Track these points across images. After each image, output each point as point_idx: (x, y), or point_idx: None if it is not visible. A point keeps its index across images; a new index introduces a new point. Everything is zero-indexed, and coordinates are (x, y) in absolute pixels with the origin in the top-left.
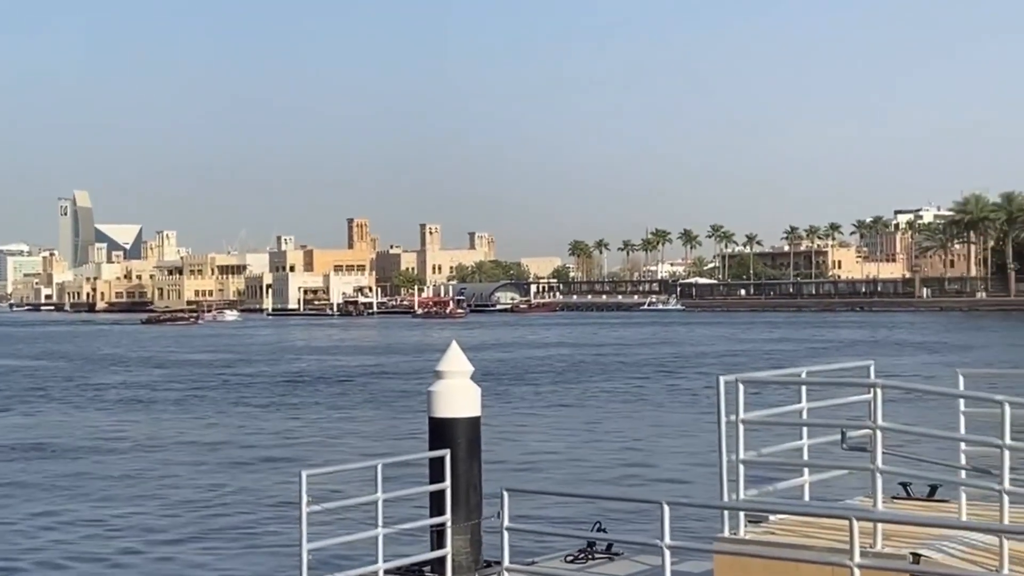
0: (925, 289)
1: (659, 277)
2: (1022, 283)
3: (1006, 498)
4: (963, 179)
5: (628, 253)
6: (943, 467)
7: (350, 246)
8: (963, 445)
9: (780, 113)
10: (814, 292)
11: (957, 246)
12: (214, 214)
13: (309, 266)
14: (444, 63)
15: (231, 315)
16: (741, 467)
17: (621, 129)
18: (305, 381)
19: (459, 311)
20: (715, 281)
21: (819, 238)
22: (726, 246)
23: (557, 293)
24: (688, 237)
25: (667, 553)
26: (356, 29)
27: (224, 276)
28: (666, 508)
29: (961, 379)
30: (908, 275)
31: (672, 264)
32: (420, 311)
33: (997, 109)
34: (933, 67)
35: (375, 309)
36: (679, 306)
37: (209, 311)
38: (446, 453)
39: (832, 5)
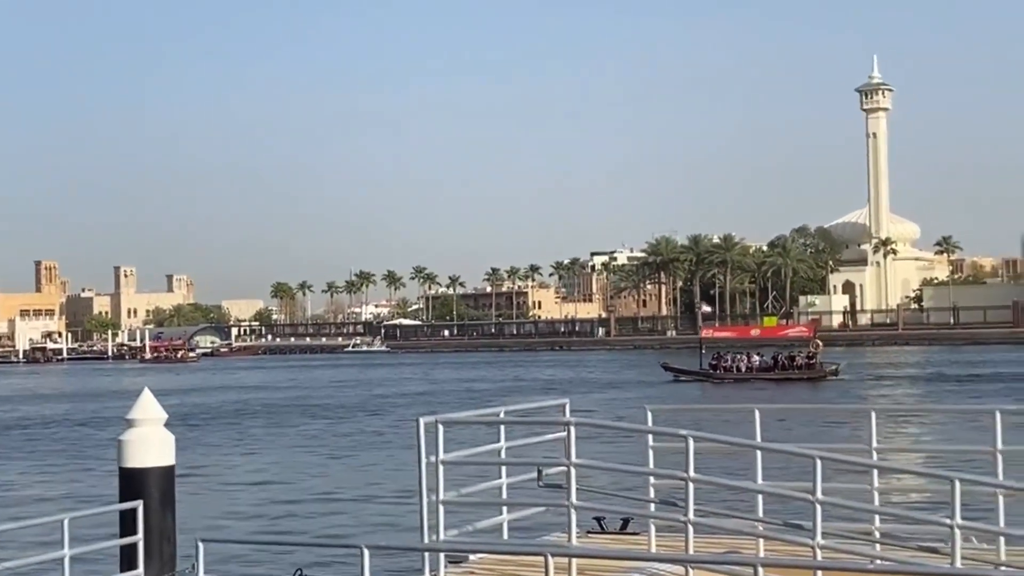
0: (615, 327)
1: (363, 319)
2: (710, 321)
3: (691, 528)
4: (655, 222)
5: (332, 295)
6: (634, 501)
7: (38, 289)
8: (652, 479)
9: (472, 160)
10: (516, 332)
11: (649, 286)
12: None
13: None
14: (144, 99)
15: None
16: (441, 508)
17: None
18: None
19: (191, 355)
20: (419, 322)
21: (519, 279)
22: (429, 287)
23: (260, 336)
24: (392, 279)
25: None
26: (45, 52)
27: None
28: (366, 552)
29: (649, 415)
30: (604, 315)
31: (376, 306)
32: (150, 356)
33: (686, 153)
34: (622, 109)
35: (65, 355)
36: (384, 348)
37: None
38: (138, 505)
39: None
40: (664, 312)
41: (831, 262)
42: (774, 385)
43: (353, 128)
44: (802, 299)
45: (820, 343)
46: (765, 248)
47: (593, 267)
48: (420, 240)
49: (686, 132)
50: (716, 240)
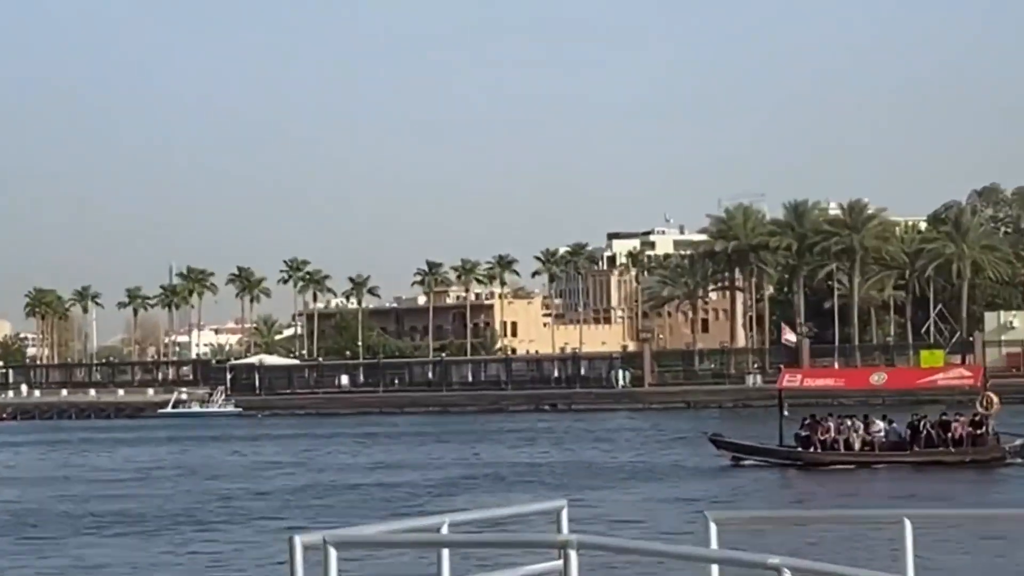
0: (652, 369)
1: (194, 354)
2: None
3: None
4: (719, 183)
5: (136, 311)
6: None
7: None
8: None
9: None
10: (471, 379)
11: (713, 295)
12: None
13: None
14: None
15: None
16: None
17: None
18: None
19: None
20: (295, 361)
21: (479, 282)
22: (314, 298)
23: (3, 387)
24: (245, 282)
25: None
26: None
27: None
28: None
29: (713, 528)
30: (631, 346)
31: (218, 331)
32: None
33: (773, 70)
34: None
35: None
36: (231, 406)
37: None
38: None
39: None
40: (741, 340)
41: None
42: (913, 472)
43: None
44: (991, 317)
45: (995, 399)
46: (923, 226)
47: (612, 260)
48: (296, 223)
49: (770, 33)
50: (834, 210)
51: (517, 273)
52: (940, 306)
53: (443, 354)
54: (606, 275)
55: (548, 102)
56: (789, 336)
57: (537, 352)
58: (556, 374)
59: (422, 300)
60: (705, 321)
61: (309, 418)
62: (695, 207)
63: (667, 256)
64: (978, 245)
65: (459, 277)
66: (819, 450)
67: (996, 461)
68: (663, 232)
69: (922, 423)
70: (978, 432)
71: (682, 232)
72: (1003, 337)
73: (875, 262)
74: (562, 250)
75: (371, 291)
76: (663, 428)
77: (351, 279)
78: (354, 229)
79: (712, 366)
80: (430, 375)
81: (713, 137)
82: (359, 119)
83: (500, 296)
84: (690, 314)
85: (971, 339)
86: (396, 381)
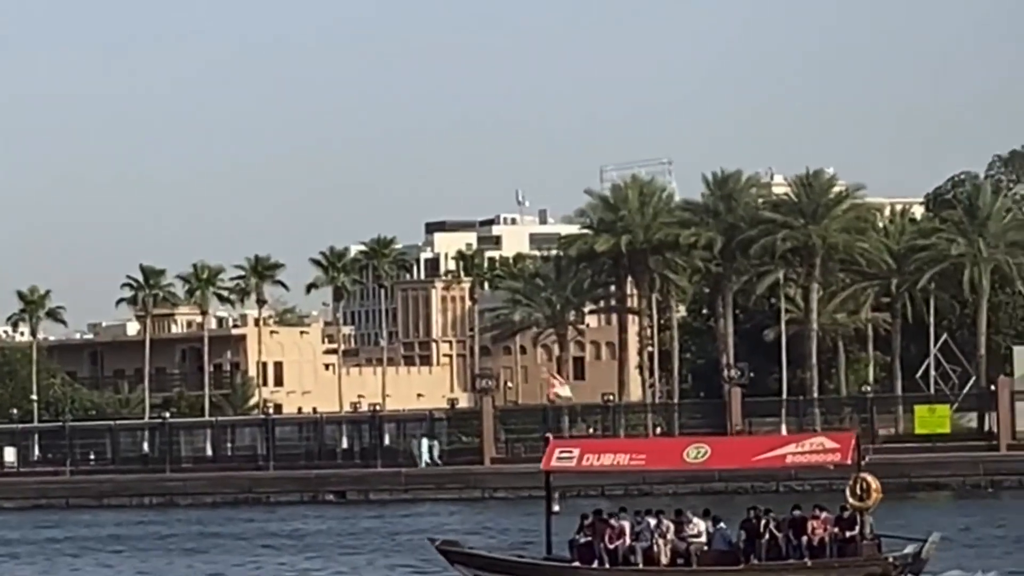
0: (496, 439)
1: None
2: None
3: None
4: (612, 146)
5: None
6: None
7: None
8: None
9: None
10: (192, 454)
11: (597, 323)
12: None
13: None
14: None
15: None
16: None
17: None
18: None
19: None
20: None
21: (220, 297)
22: None
23: None
24: None
25: None
26: None
27: None
28: None
29: None
30: (459, 398)
31: None
32: None
33: None
34: None
35: None
36: None
37: None
38: None
39: None
40: (636, 390)
41: None
42: None
43: None
44: (1020, 352)
45: (873, 484)
46: (919, 212)
47: (434, 264)
48: None
49: None
50: (780, 186)
51: (283, 286)
52: (945, 336)
53: (166, 414)
54: (424, 289)
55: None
56: (558, 389)
57: (315, 410)
58: (345, 445)
59: (133, 329)
60: (580, 360)
61: None
62: (564, 181)
63: (520, 259)
64: (1003, 241)
65: (190, 292)
66: (605, 565)
67: None
68: (513, 221)
69: (764, 523)
70: (848, 535)
71: (543, 221)
72: None
73: (845, 268)
74: (354, 249)
75: (51, 314)
76: (496, 527)
77: (20, 295)
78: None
79: (591, 430)
80: (146, 447)
81: (591, 75)
82: None
83: (257, 322)
84: (556, 350)
85: (993, 387)
86: (92, 456)
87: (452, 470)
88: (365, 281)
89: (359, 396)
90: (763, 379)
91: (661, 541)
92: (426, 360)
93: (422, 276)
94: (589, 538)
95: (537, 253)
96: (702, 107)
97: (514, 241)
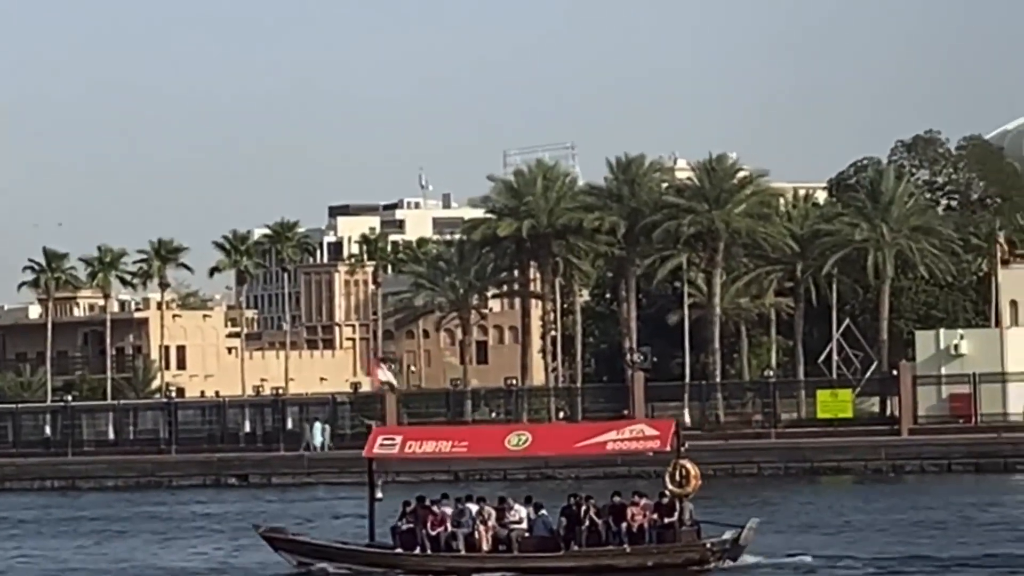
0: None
1: None
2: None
3: None
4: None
5: None
6: None
7: None
8: None
9: None
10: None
11: (495, 303)
12: None
13: None
14: None
15: None
16: None
17: None
18: None
19: None
20: None
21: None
22: None
23: None
24: None
25: None
26: None
27: None
28: None
29: None
30: (362, 382)
31: None
32: None
33: None
34: None
35: None
36: None
37: None
38: None
39: None
40: (539, 374)
41: (1002, 236)
42: None
43: None
44: (925, 337)
45: (693, 470)
46: (822, 196)
47: (337, 248)
48: None
49: None
50: (684, 171)
51: (187, 268)
52: (847, 321)
53: (68, 397)
54: (327, 272)
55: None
56: (381, 375)
57: (218, 394)
58: (248, 428)
59: (35, 312)
60: (483, 345)
61: None
62: (467, 165)
63: (423, 243)
64: (907, 226)
65: (92, 276)
66: (428, 551)
67: (693, 565)
68: (417, 205)
69: (584, 509)
70: (666, 521)
71: (447, 205)
72: (944, 369)
73: (748, 253)
74: (257, 233)
75: None
76: (390, 509)
77: None
78: None
79: (494, 414)
80: (47, 430)
81: (494, 59)
82: None
83: (160, 305)
84: (459, 334)
85: (895, 372)
86: None
87: (355, 454)
88: (268, 265)
89: (262, 380)
90: (666, 363)
91: (482, 528)
92: (329, 344)
93: (325, 260)
94: (411, 525)
95: (440, 237)
96: (606, 92)
97: (417, 225)
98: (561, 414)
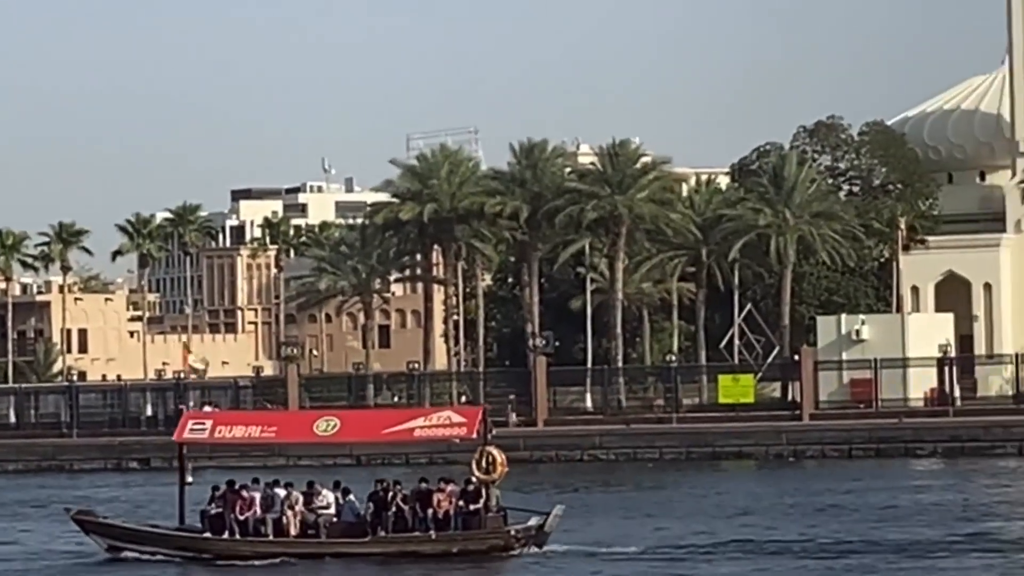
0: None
1: None
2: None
3: None
4: (412, 116)
5: None
6: None
7: None
8: None
9: None
10: None
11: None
12: None
13: None
14: None
15: None
16: None
17: None
18: None
19: None
20: None
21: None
22: None
23: None
24: None
25: None
26: None
27: None
28: None
29: None
30: (267, 367)
31: None
32: None
33: None
34: None
35: None
36: None
37: None
38: None
39: None
40: (441, 359)
41: (904, 222)
42: (375, 569)
43: None
44: (826, 323)
45: (499, 457)
46: (724, 182)
47: (240, 232)
48: None
49: None
50: (587, 156)
51: (88, 252)
52: (749, 306)
53: None
54: (230, 256)
55: None
56: (191, 361)
57: (120, 377)
58: (150, 412)
59: None
60: (385, 329)
61: None
62: (370, 149)
63: (326, 227)
64: (809, 211)
65: None
66: (236, 535)
67: (498, 551)
68: (320, 189)
69: (391, 495)
70: (472, 508)
71: (350, 189)
72: (845, 355)
73: (651, 238)
74: (160, 216)
75: None
76: None
77: None
78: None
79: (396, 398)
80: None
81: (397, 43)
82: None
83: (62, 288)
84: (361, 318)
85: (796, 357)
86: None
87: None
88: (171, 248)
89: (164, 363)
90: (568, 348)
91: (290, 512)
92: (231, 328)
93: (228, 244)
94: (220, 509)
95: (343, 221)
96: (509, 77)
97: (320, 209)
98: (463, 398)
